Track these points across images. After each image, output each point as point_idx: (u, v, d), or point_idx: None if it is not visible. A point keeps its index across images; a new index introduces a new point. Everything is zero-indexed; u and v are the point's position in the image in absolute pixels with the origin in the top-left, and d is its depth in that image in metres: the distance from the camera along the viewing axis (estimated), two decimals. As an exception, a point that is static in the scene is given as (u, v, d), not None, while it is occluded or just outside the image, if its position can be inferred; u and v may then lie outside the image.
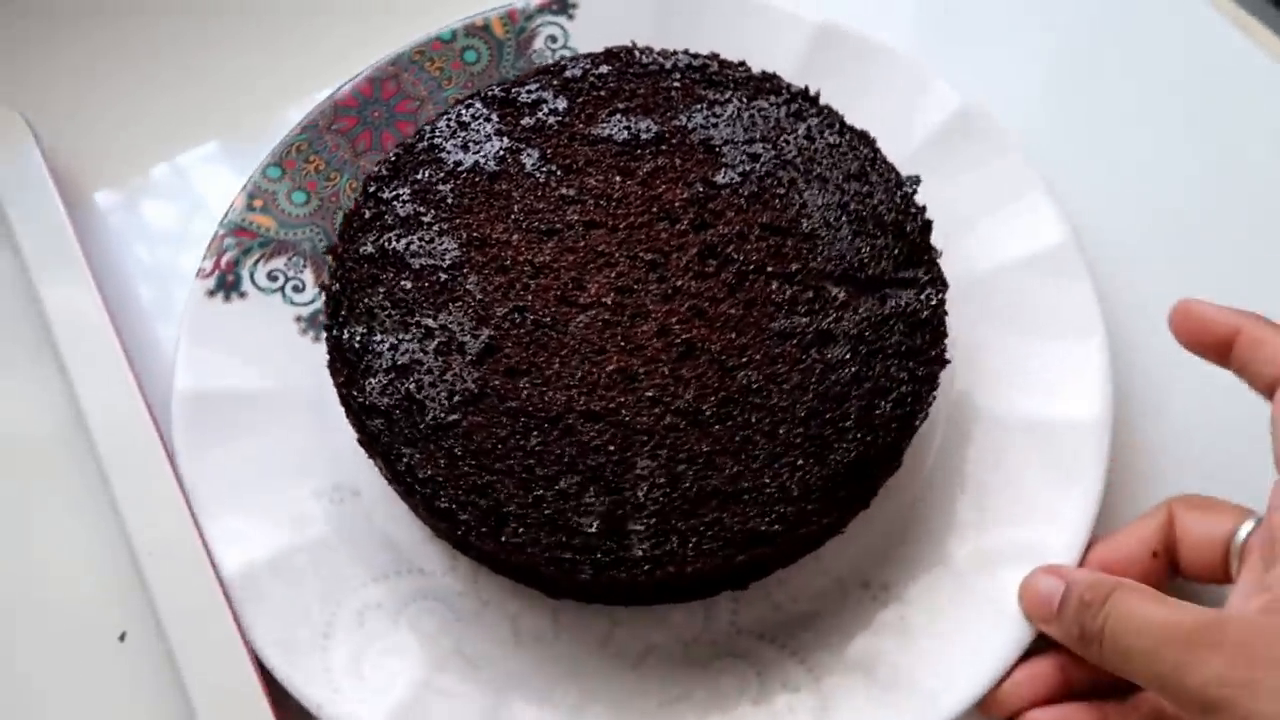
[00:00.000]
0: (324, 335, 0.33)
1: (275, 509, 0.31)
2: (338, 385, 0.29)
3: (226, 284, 0.34)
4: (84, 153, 0.38)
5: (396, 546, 0.31)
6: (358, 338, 0.30)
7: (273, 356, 0.33)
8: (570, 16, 0.39)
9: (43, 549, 0.31)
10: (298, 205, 0.36)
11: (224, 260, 0.34)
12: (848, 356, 0.29)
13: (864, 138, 0.33)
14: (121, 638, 0.30)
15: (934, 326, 0.30)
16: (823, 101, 0.34)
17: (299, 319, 0.34)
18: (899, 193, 0.32)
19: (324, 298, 0.31)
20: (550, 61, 0.36)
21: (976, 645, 0.28)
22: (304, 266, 0.35)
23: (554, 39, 0.39)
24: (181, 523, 0.29)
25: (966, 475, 0.31)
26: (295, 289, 0.35)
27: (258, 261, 0.35)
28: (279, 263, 0.35)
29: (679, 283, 0.30)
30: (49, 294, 0.33)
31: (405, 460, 0.28)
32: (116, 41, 0.41)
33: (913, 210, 0.31)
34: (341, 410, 0.30)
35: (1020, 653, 0.28)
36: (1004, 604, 0.28)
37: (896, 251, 0.31)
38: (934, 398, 0.29)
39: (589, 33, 0.39)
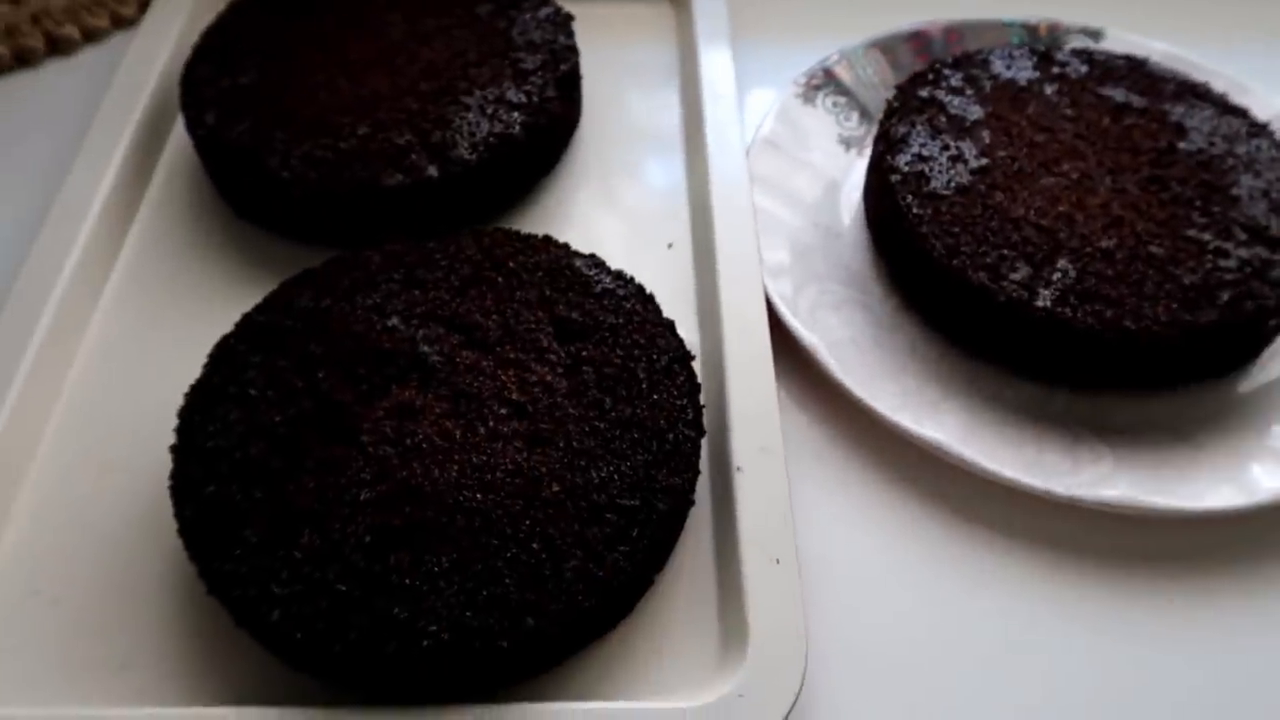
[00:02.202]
0: (852, 149, 0.49)
1: (798, 221, 0.46)
2: (877, 154, 0.44)
3: (807, 96, 0.50)
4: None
5: (852, 273, 0.45)
6: (900, 133, 0.44)
7: (817, 146, 0.49)
8: (1097, 40, 0.53)
9: (635, 189, 0.48)
10: (866, 74, 0.52)
11: (812, 82, 0.51)
12: (1233, 266, 0.39)
13: (1300, 165, 0.44)
14: (669, 246, 0.46)
15: (1307, 280, 0.39)
16: (1274, 140, 0.45)
17: (840, 137, 0.50)
18: (1315, 201, 0.42)
19: (885, 107, 0.46)
20: (1072, 60, 0.50)
21: (1245, 484, 0.37)
22: (855, 109, 0.51)
23: (1077, 50, 0.53)
24: (742, 190, 0.45)
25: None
26: (845, 119, 0.51)
27: (830, 93, 0.51)
28: (842, 100, 0.51)
29: (1126, 186, 0.42)
30: (707, 74, 0.51)
31: (906, 202, 0.42)
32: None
33: (1320, 214, 0.42)
34: (843, 183, 0.44)
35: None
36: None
37: (1297, 230, 0.41)
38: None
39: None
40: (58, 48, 0.54)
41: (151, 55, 0.51)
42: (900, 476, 0.39)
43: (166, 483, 0.34)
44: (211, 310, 0.41)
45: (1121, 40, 0.53)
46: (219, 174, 0.46)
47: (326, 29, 0.48)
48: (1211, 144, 0.44)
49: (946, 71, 0.47)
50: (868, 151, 0.48)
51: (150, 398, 0.39)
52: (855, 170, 0.49)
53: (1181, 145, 0.44)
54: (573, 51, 0.49)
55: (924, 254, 0.41)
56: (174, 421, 0.36)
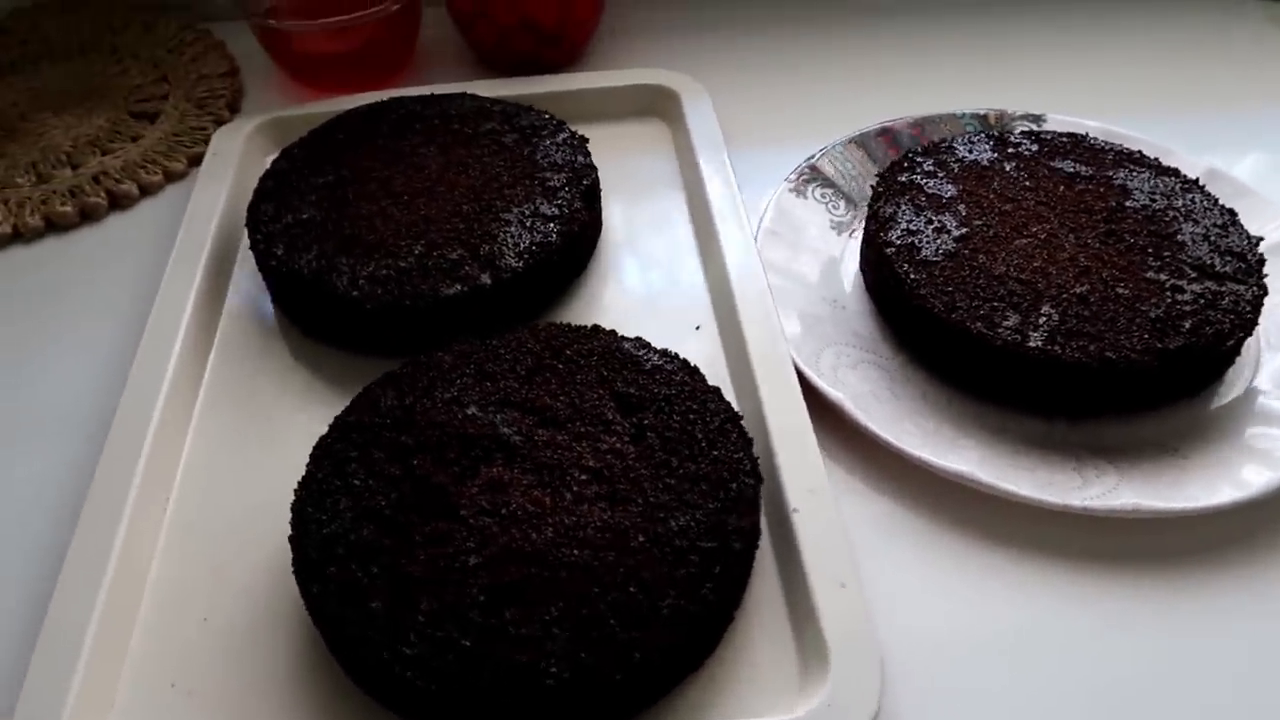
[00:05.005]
0: (844, 233, 0.55)
1: (806, 297, 0.52)
2: (871, 232, 0.51)
3: (799, 189, 0.57)
4: (741, 112, 0.65)
5: (861, 337, 0.51)
6: (888, 212, 0.51)
7: (811, 232, 0.56)
8: (1039, 124, 0.61)
9: (657, 282, 0.54)
10: (846, 167, 0.59)
11: (800, 178, 0.58)
12: (1189, 299, 0.46)
13: (1230, 211, 0.51)
14: (697, 328, 0.51)
15: (1254, 306, 0.46)
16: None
17: (832, 222, 0.57)
18: (1248, 240, 0.49)
19: (871, 192, 0.53)
20: (1021, 140, 0.58)
21: (1232, 484, 0.42)
22: (841, 198, 0.58)
23: (1025, 132, 0.61)
24: (756, 273, 0.51)
25: (1261, 404, 0.46)
26: (833, 207, 0.57)
27: (818, 185, 0.58)
28: (829, 191, 0.58)
29: (1087, 241, 0.49)
30: (709, 179, 0.58)
31: (904, 270, 0.48)
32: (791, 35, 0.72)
33: (1256, 250, 0.48)
34: (840, 261, 0.51)
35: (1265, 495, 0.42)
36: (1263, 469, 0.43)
37: (1239, 266, 0.47)
38: (1245, 339, 0.45)
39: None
40: (118, 203, 0.60)
41: (210, 204, 0.56)
42: (929, 506, 0.44)
43: (275, 573, 0.38)
44: (293, 421, 0.46)
45: (1060, 121, 0.61)
46: (289, 299, 0.51)
47: (372, 167, 0.54)
48: (1153, 200, 0.51)
49: (919, 159, 0.54)
50: (857, 233, 0.55)
51: (246, 502, 0.44)
52: (848, 249, 0.55)
53: (1128, 204, 0.51)
54: (592, 168, 0.55)
55: (925, 312, 0.47)
56: (270, 520, 0.40)
